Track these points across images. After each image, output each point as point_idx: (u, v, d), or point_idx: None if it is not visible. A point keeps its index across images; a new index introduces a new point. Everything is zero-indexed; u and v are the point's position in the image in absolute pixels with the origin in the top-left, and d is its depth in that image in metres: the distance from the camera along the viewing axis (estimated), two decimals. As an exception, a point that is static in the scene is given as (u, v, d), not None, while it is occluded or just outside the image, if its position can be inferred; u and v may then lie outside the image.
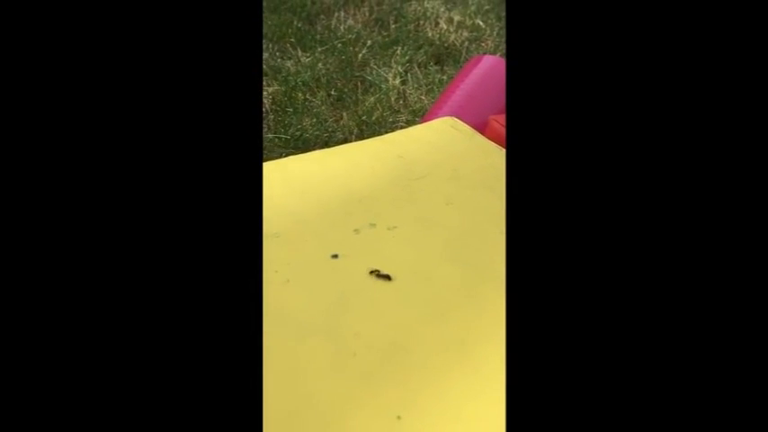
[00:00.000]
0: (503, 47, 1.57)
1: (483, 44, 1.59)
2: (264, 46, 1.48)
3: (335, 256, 0.52)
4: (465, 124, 0.74)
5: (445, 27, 1.63)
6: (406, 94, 1.37)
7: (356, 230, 0.55)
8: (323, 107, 1.32)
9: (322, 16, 1.65)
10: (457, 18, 1.67)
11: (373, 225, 0.56)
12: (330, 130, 1.25)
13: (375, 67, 1.45)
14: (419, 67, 1.46)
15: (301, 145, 1.20)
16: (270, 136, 1.22)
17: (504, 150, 0.70)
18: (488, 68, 1.00)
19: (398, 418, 0.39)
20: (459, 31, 1.61)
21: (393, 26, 1.63)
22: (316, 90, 1.37)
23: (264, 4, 1.61)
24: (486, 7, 1.73)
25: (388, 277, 0.50)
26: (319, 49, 1.49)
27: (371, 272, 0.50)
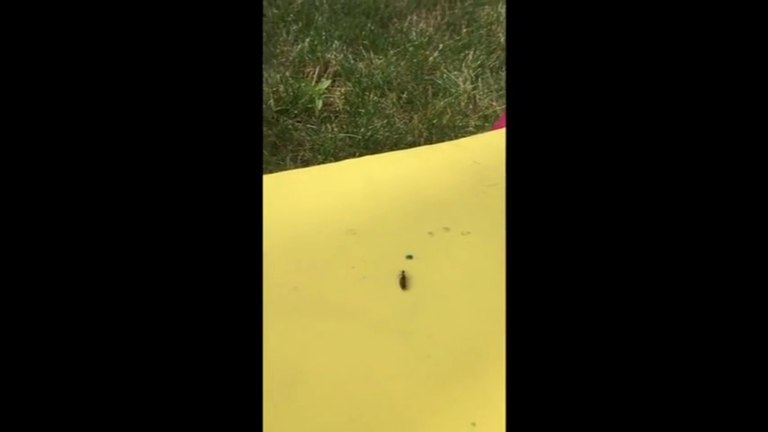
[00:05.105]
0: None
1: (557, 51, 1.55)
2: (338, 47, 1.50)
3: (410, 257, 0.52)
4: (541, 131, 0.73)
5: (519, 32, 1.60)
6: (477, 99, 1.36)
7: (430, 233, 0.55)
8: (393, 109, 1.33)
9: (395, 19, 1.66)
10: (531, 23, 1.64)
11: (447, 229, 0.56)
12: (400, 132, 1.26)
13: (446, 71, 1.45)
14: (491, 72, 1.45)
15: (372, 145, 1.21)
16: (341, 135, 1.24)
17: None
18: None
19: (473, 424, 0.38)
20: (533, 37, 1.59)
21: (465, 30, 1.62)
22: (387, 92, 1.38)
23: (339, 6, 1.64)
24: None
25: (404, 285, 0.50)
26: (391, 52, 1.51)
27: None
